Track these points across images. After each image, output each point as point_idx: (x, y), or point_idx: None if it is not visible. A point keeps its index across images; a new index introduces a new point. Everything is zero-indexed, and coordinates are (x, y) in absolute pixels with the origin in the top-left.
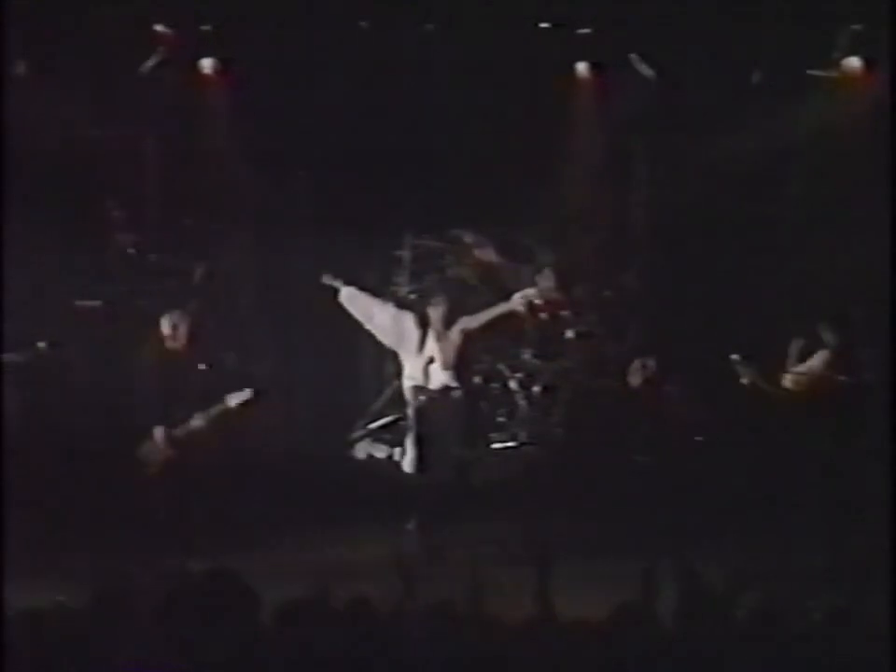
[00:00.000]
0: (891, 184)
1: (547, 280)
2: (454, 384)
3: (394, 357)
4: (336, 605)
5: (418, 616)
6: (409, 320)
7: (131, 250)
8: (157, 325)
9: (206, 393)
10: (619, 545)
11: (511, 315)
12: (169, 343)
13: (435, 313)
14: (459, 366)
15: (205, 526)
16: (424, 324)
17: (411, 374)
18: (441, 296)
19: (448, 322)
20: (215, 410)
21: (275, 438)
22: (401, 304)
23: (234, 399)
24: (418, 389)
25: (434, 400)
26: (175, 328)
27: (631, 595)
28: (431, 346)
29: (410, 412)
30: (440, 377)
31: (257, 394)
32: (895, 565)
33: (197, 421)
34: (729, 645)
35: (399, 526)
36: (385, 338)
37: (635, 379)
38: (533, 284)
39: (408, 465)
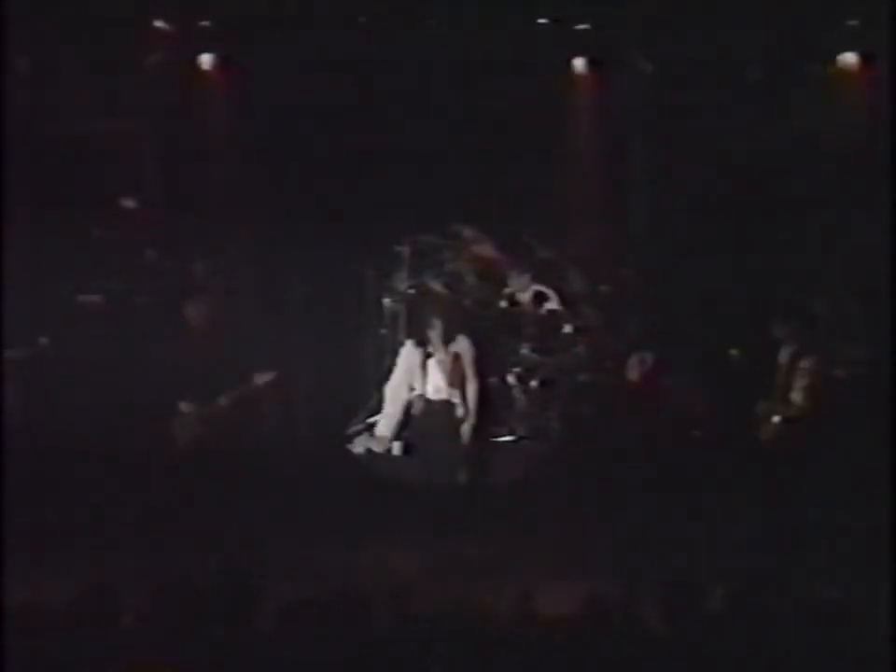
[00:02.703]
0: (891, 180)
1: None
2: (455, 399)
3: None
4: (337, 602)
5: (417, 614)
6: (409, 345)
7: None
8: (156, 321)
9: (209, 389)
10: (617, 539)
11: None
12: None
13: (433, 334)
14: (459, 382)
15: (206, 523)
16: (422, 343)
17: (413, 385)
18: (438, 319)
19: (446, 340)
20: (218, 404)
21: (274, 432)
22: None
23: (260, 379)
24: (420, 398)
25: (436, 411)
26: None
27: (628, 588)
28: (433, 365)
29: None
30: (442, 392)
31: (252, 398)
32: (895, 560)
33: (192, 426)
34: (728, 640)
35: (398, 522)
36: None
37: (633, 374)
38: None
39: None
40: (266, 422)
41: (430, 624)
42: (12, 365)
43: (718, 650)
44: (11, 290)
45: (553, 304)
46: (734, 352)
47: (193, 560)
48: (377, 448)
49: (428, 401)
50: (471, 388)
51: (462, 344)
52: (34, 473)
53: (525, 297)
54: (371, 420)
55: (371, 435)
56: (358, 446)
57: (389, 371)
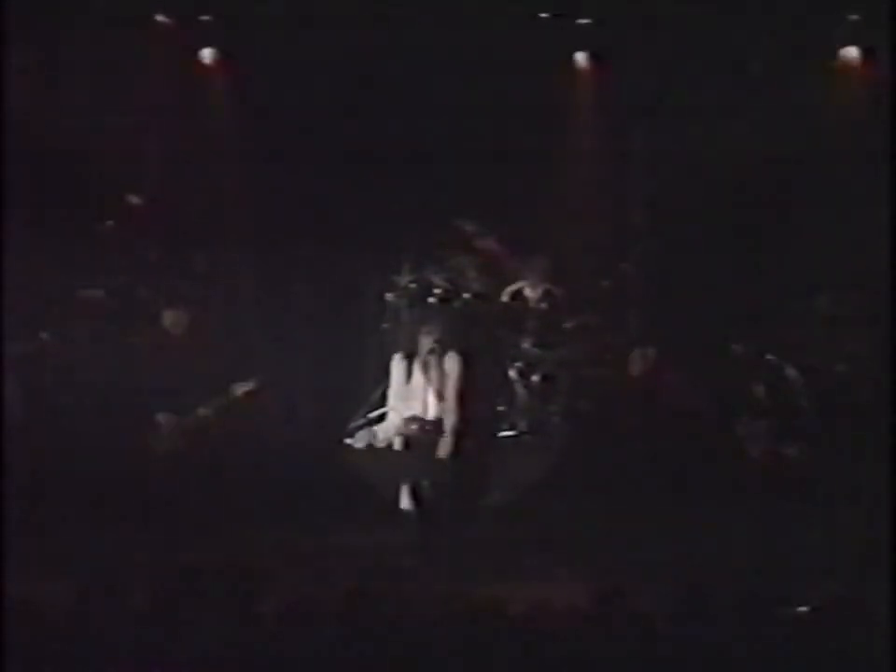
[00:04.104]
0: (891, 173)
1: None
2: (447, 416)
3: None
4: (337, 597)
5: (417, 607)
6: (398, 358)
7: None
8: (158, 315)
9: (210, 384)
10: (617, 533)
11: None
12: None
13: (427, 340)
14: (452, 397)
15: (207, 518)
16: (410, 354)
17: (399, 403)
18: (436, 323)
19: (442, 350)
20: (220, 400)
21: (275, 428)
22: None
23: (240, 389)
24: (412, 419)
25: (427, 432)
26: (175, 321)
27: (628, 582)
28: (418, 376)
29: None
30: (434, 409)
31: (261, 384)
32: (895, 553)
33: (203, 410)
34: (727, 633)
35: (397, 516)
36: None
37: (635, 368)
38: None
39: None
40: (268, 417)
41: (431, 621)
42: (13, 359)
43: (718, 645)
44: (12, 284)
45: (561, 300)
46: (736, 347)
47: (194, 556)
48: (378, 443)
49: (422, 421)
50: (449, 410)
51: (451, 364)
52: (35, 468)
53: (532, 292)
54: (373, 415)
55: (372, 429)
56: (359, 441)
57: (389, 368)
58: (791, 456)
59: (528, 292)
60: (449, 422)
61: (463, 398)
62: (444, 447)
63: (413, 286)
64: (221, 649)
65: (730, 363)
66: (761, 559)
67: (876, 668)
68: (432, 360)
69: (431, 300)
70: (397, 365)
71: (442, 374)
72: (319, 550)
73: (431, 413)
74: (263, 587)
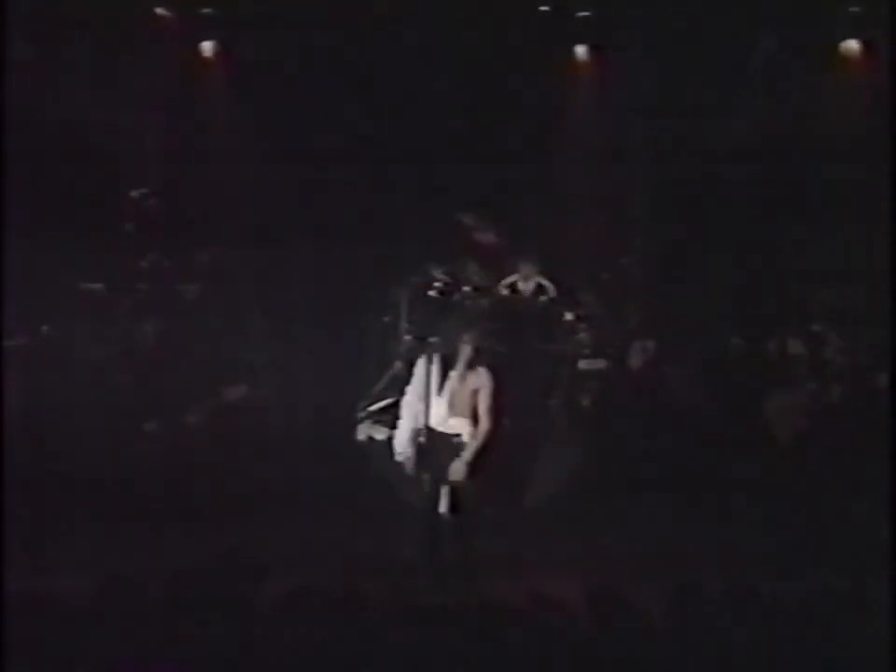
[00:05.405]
0: (891, 167)
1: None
2: (461, 431)
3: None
4: (337, 593)
5: (418, 603)
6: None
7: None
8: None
9: (209, 382)
10: (617, 528)
11: None
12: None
13: (464, 353)
14: (470, 415)
15: (206, 515)
16: (447, 362)
17: (417, 411)
18: (473, 335)
19: (471, 364)
20: (212, 403)
21: (278, 422)
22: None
23: (232, 394)
24: (421, 431)
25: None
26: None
27: (627, 577)
28: (448, 388)
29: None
30: (443, 422)
31: (253, 387)
32: (895, 547)
33: (199, 411)
34: (726, 629)
35: (398, 512)
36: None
37: (635, 361)
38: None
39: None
40: (270, 411)
41: (432, 617)
42: (14, 352)
43: (720, 642)
44: (13, 278)
45: (552, 294)
46: (736, 340)
47: (196, 549)
48: (379, 436)
49: (430, 431)
50: (482, 428)
51: (482, 378)
52: (34, 462)
53: (526, 286)
54: (374, 408)
55: (373, 422)
56: (361, 433)
57: (390, 360)
58: (793, 452)
59: (523, 285)
60: (480, 437)
61: (493, 412)
62: (459, 468)
63: (413, 279)
64: (223, 644)
65: (728, 356)
66: (761, 555)
67: (876, 665)
68: (465, 373)
69: (432, 293)
70: (426, 368)
71: (473, 387)
72: (320, 546)
73: (441, 428)
74: (265, 583)
